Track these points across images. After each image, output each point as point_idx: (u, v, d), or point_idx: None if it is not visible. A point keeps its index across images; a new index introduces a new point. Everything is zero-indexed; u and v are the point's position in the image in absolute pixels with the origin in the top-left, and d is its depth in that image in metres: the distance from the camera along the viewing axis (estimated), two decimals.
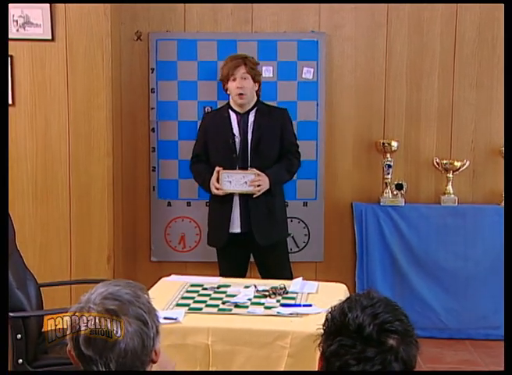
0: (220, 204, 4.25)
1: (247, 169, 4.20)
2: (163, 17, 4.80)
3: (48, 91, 4.43)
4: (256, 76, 4.24)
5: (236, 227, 4.24)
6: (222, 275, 4.16)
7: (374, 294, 1.71)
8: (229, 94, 4.29)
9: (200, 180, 4.37)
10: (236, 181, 4.14)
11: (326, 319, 1.70)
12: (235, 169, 4.20)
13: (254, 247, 4.30)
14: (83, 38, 4.39)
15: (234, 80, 4.18)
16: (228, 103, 4.32)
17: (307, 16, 4.79)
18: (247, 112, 4.25)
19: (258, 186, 4.14)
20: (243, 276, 4.26)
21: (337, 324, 1.66)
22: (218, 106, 4.71)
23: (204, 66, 4.77)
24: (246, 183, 4.14)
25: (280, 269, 4.25)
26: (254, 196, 4.16)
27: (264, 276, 4.20)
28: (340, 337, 1.64)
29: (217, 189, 4.16)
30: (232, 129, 4.23)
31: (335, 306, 1.70)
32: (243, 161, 4.20)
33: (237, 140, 4.22)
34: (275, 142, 4.25)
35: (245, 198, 4.20)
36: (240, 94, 4.17)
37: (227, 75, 4.19)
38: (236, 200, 4.22)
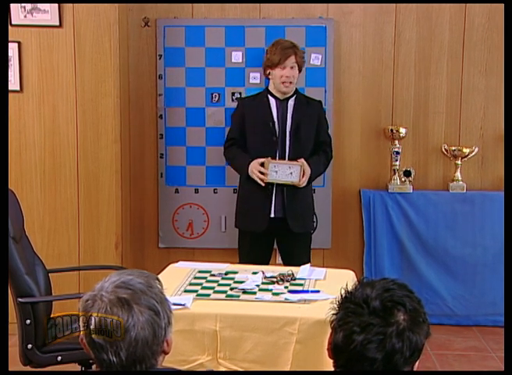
0: (261, 189, 4.17)
1: (285, 153, 4.16)
2: (171, 3, 4.78)
3: (55, 78, 4.43)
4: (301, 66, 4.23)
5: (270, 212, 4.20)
6: (242, 261, 4.14)
7: (390, 279, 1.74)
8: (269, 79, 4.25)
9: (237, 163, 4.27)
10: (282, 171, 4.10)
11: (340, 294, 1.72)
12: (274, 153, 4.15)
13: (281, 233, 4.26)
14: (91, 24, 4.38)
15: (283, 68, 4.14)
16: (267, 88, 4.29)
17: (315, 2, 4.76)
18: (287, 99, 4.23)
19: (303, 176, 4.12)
20: (267, 263, 4.19)
21: (347, 296, 1.68)
22: (225, 93, 4.73)
23: (212, 52, 4.76)
24: (291, 174, 4.11)
25: (303, 257, 4.18)
26: (301, 186, 4.13)
27: (286, 264, 4.16)
28: (348, 304, 1.66)
29: (261, 179, 4.09)
30: (271, 113, 4.21)
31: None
32: (282, 145, 4.17)
33: (276, 124, 4.19)
34: (312, 131, 4.24)
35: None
36: (287, 82, 4.15)
37: (277, 62, 4.13)
38: (274, 185, 4.17)
